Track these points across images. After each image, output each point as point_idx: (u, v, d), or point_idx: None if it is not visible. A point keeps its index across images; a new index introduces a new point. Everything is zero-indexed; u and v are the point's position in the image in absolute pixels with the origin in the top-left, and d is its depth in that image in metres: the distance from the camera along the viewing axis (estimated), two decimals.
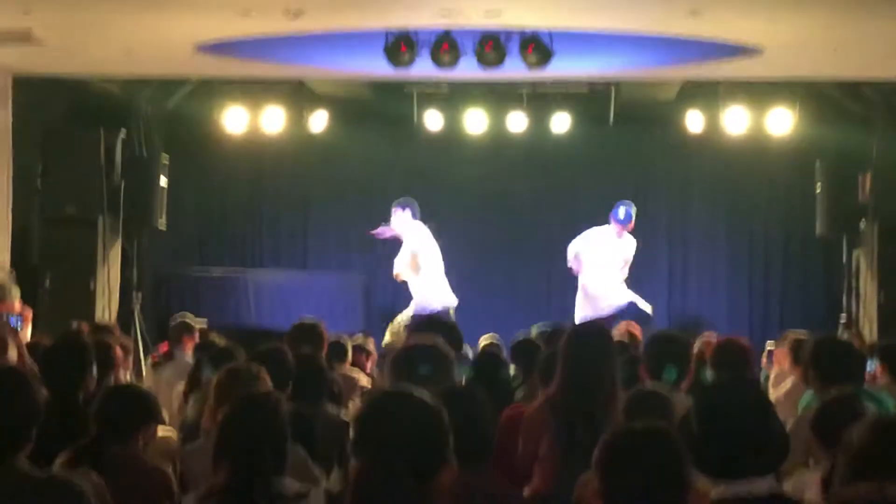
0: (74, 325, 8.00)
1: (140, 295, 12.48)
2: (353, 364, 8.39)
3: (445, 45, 9.63)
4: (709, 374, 5.72)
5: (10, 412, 3.32)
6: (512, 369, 6.91)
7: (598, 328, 5.32)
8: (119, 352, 6.39)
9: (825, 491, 4.14)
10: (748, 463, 3.20)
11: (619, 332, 8.99)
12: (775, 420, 3.33)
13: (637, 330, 9.51)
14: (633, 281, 13.27)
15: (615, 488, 3.08)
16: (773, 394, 7.03)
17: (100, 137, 11.77)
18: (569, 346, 5.10)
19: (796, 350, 7.67)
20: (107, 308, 11.75)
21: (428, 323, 5.61)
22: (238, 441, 3.81)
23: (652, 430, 3.18)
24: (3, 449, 3.28)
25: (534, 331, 8.54)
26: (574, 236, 13.36)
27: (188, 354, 8.43)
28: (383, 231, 12.66)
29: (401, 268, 12.32)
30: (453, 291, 12.51)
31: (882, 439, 3.15)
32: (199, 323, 9.11)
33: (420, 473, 2.94)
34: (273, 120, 13.39)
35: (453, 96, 13.36)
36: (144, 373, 9.36)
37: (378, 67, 10.04)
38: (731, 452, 3.20)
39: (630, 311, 12.28)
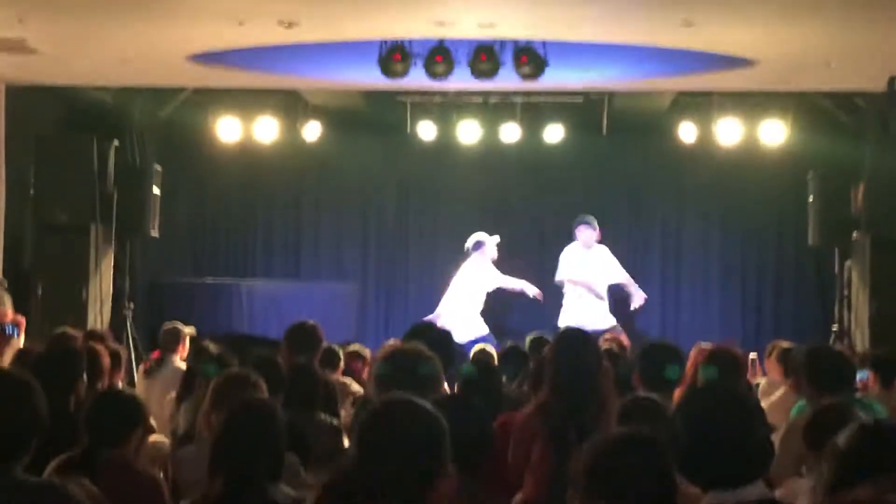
0: (60, 330, 7.92)
1: (132, 303, 12.47)
2: (347, 371, 8.39)
3: (439, 56, 9.64)
4: (702, 372, 5.67)
5: (13, 421, 3.31)
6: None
7: (584, 334, 5.31)
8: (107, 359, 6.37)
9: (817, 499, 4.15)
10: (736, 471, 3.19)
11: (606, 341, 8.96)
12: (762, 426, 3.33)
13: (624, 339, 9.52)
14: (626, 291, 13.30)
15: (599, 496, 3.06)
16: (764, 403, 7.04)
17: (93, 146, 11.76)
18: (556, 352, 5.10)
19: (785, 359, 7.70)
20: (99, 316, 11.74)
21: (421, 331, 5.60)
22: (235, 448, 3.81)
23: (637, 437, 3.14)
24: (3, 456, 3.27)
25: (528, 340, 8.55)
26: (567, 246, 13.34)
27: (180, 362, 8.42)
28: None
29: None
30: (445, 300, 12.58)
31: (868, 443, 3.14)
32: (189, 331, 9.10)
33: (421, 481, 2.94)
34: (266, 130, 13.41)
35: (447, 107, 13.38)
36: (136, 380, 9.34)
37: (372, 78, 10.05)
38: (720, 461, 3.20)
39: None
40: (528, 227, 14.58)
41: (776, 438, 4.69)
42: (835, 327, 12.68)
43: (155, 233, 12.58)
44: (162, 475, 4.80)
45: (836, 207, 12.31)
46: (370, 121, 13.93)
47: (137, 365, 10.38)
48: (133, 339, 11.99)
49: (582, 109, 13.47)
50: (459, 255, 14.39)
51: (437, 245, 14.65)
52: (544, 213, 14.57)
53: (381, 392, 4.36)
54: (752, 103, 12.96)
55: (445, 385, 5.40)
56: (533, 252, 14.46)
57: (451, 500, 3.08)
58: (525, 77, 9.80)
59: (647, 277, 14.40)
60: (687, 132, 13.26)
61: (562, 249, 13.11)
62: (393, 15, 9.02)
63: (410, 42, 9.66)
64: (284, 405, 5.19)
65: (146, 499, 4.46)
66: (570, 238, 13.34)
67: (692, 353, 6.92)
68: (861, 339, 11.68)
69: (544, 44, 9.74)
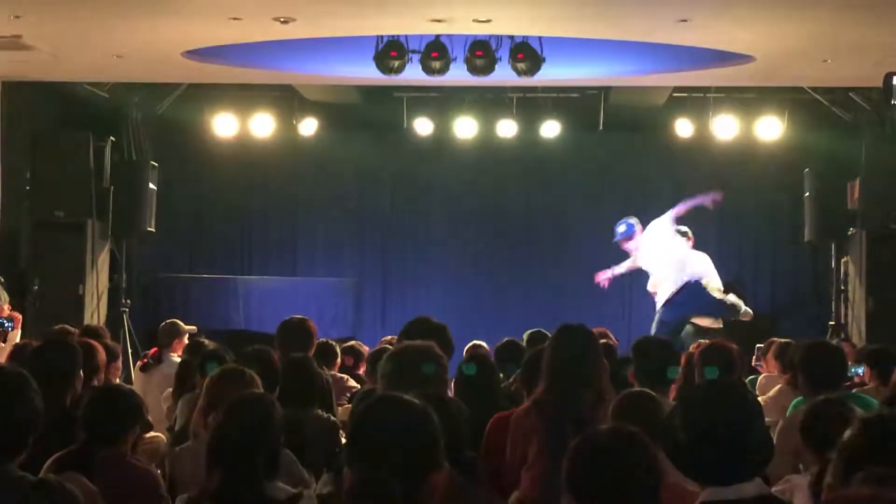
0: (58, 327, 7.93)
1: (129, 300, 12.46)
2: (343, 367, 8.38)
3: (435, 52, 9.64)
4: (705, 373, 5.67)
5: (10, 417, 3.30)
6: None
7: (582, 329, 5.29)
8: (103, 355, 6.35)
9: (815, 495, 4.15)
10: (735, 467, 3.19)
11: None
12: (761, 423, 3.32)
13: (612, 336, 9.50)
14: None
15: (583, 495, 3.04)
16: (762, 399, 7.04)
17: (89, 142, 11.76)
18: (553, 347, 5.09)
19: (782, 355, 7.70)
20: (95, 313, 11.74)
21: (420, 327, 5.58)
22: (232, 444, 3.81)
23: (618, 434, 3.12)
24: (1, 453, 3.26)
25: (525, 337, 8.54)
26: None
27: (177, 358, 8.41)
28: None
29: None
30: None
31: (870, 434, 3.15)
32: (189, 327, 9.09)
33: (414, 477, 2.94)
34: (263, 125, 13.41)
35: (443, 102, 13.37)
36: (133, 377, 9.33)
37: (368, 73, 10.05)
38: (718, 457, 3.19)
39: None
40: (524, 223, 14.56)
41: (773, 434, 4.69)
42: (831, 323, 12.69)
43: (151, 229, 12.57)
44: (159, 471, 4.79)
45: (833, 203, 12.33)
46: (366, 116, 13.92)
47: (134, 361, 10.37)
48: (130, 335, 11.99)
49: (578, 105, 13.47)
50: (456, 250, 14.42)
51: (434, 239, 14.65)
52: (540, 207, 14.55)
53: (387, 389, 4.36)
54: (748, 99, 12.98)
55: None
56: (529, 247, 14.46)
57: (445, 494, 3.08)
58: (521, 73, 9.79)
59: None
60: (683, 128, 13.27)
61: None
62: (389, 11, 9.02)
63: (407, 38, 9.66)
64: (280, 401, 5.20)
65: (143, 495, 4.46)
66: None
67: (690, 349, 6.92)
68: (858, 334, 11.70)
69: (540, 40, 9.73)
